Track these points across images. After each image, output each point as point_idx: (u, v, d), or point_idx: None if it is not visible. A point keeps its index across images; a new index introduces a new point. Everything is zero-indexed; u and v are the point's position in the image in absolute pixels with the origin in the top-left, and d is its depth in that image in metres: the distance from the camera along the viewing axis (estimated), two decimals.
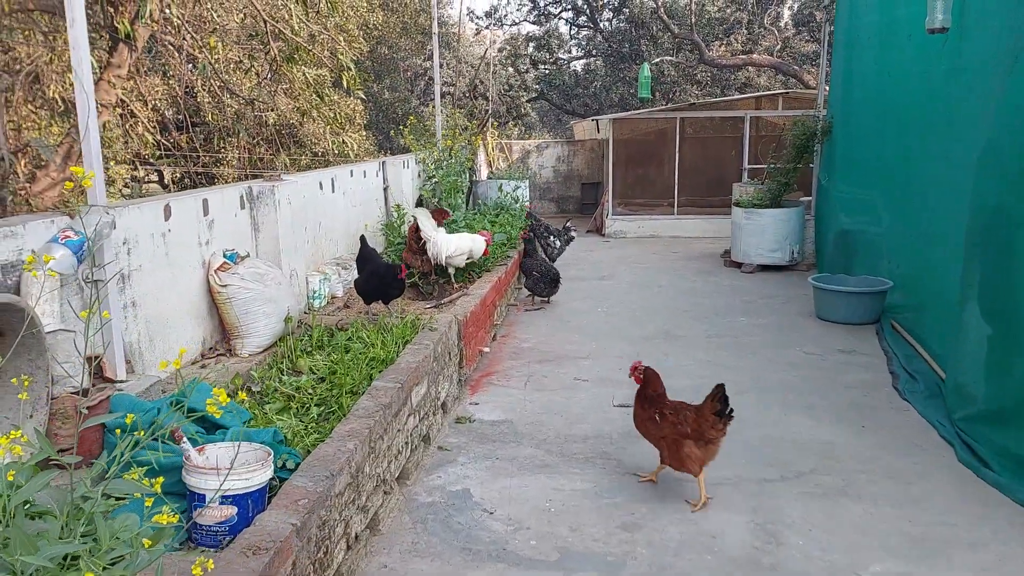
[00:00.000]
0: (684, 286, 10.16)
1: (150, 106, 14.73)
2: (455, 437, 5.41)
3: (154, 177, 17.74)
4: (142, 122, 14.74)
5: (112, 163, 14.68)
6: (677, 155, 14.27)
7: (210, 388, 4.14)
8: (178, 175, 16.06)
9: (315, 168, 13.84)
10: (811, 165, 11.21)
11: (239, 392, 4.56)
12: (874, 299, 8.05)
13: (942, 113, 6.96)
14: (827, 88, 11.47)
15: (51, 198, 12.07)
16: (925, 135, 7.42)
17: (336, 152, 14.84)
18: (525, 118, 30.59)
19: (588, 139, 18.32)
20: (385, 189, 9.11)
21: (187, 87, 14.92)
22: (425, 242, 7.46)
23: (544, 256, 10.60)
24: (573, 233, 10.88)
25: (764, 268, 10.93)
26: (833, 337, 7.69)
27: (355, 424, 3.98)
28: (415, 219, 7.47)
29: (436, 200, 9.59)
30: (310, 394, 4.77)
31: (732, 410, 4.30)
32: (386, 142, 22.41)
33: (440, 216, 8.03)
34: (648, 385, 4.65)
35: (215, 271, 5.10)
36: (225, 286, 5.09)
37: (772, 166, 11.02)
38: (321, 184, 7.22)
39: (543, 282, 9.00)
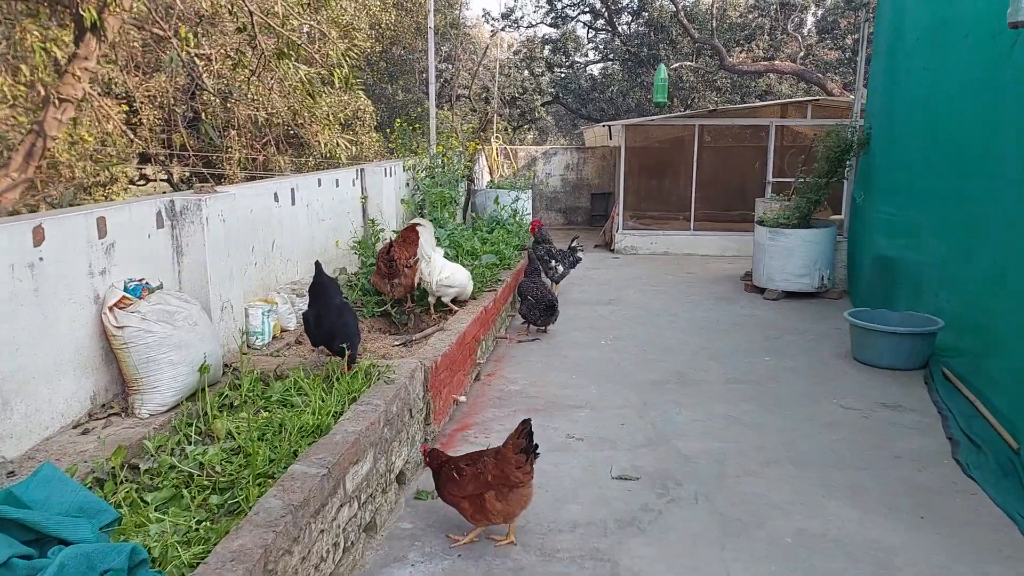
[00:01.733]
0: (700, 316, 9.03)
1: (156, 103, 13.82)
2: (410, 521, 4.33)
3: (164, 176, 16.77)
4: (146, 119, 13.83)
5: (114, 161, 13.77)
6: (695, 165, 13.14)
7: (62, 475, 3.08)
8: (187, 174, 15.14)
9: (324, 169, 12.84)
10: (844, 181, 10.05)
11: (118, 471, 3.53)
12: (923, 341, 6.90)
13: (1012, 125, 5.82)
14: (864, 95, 10.32)
15: (10, 199, 11.11)
16: (987, 151, 6.28)
17: (327, 154, 13.85)
18: (539, 122, 29.59)
19: (599, 146, 17.22)
20: (363, 200, 8.04)
21: (188, 83, 14.02)
22: (403, 262, 6.39)
23: (546, 278, 9.52)
24: (580, 254, 9.78)
25: (789, 295, 9.79)
26: (875, 386, 6.54)
27: (248, 538, 2.90)
28: (391, 240, 6.40)
29: (422, 213, 8.49)
30: (217, 472, 3.70)
31: (538, 446, 4.02)
32: (430, 146, 21.38)
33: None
34: (439, 467, 4.15)
35: (109, 308, 4.04)
36: (121, 328, 4.03)
37: (801, 180, 9.88)
38: (277, 196, 6.16)
39: (538, 309, 7.91)
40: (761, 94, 25.56)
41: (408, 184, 9.16)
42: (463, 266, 6.99)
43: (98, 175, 13.27)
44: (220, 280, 4.95)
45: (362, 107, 16.06)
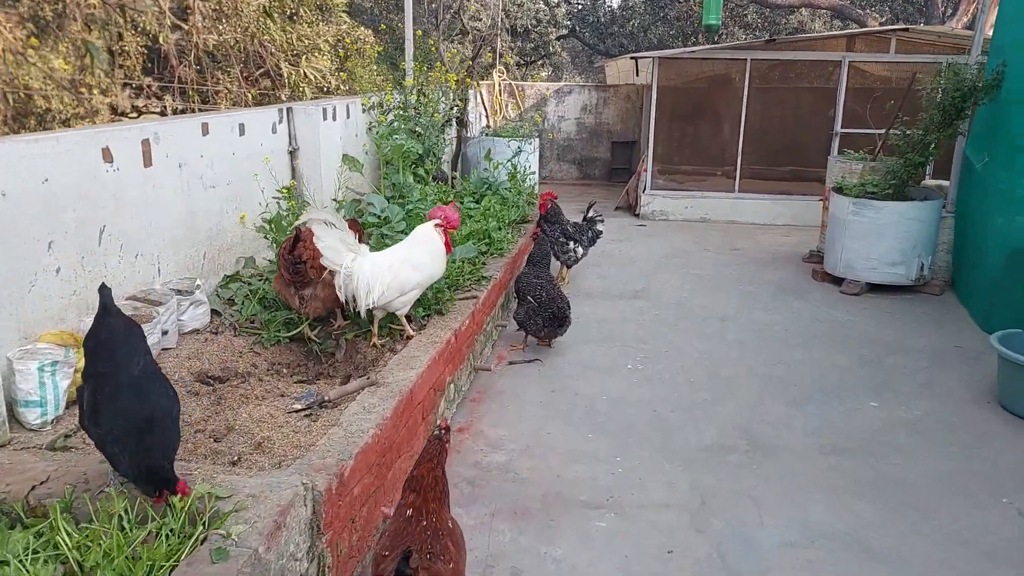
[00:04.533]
0: (760, 319, 6.64)
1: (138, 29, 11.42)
2: None
3: (156, 108, 14.44)
4: (130, 49, 11.48)
5: (95, 92, 11.50)
6: (744, 110, 10.56)
7: None
8: (179, 106, 12.80)
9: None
10: (960, 135, 7.51)
11: None
12: None
13: None
14: (989, 25, 7.71)
15: None
16: None
17: (290, 85, 11.37)
18: (553, 58, 26.79)
19: (624, 84, 14.54)
20: (292, 154, 5.63)
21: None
22: (317, 262, 4.01)
23: (560, 259, 7.15)
24: (600, 226, 7.36)
25: (875, 288, 7.38)
26: None
27: None
28: (299, 229, 3.97)
29: (377, 177, 5.86)
30: None
31: None
32: (404, 79, 18.86)
33: (355, 231, 4.56)
34: None
35: None
36: None
37: (903, 130, 7.36)
38: (110, 152, 3.77)
39: (541, 317, 5.55)
40: (792, 31, 22.83)
41: (372, 131, 6.67)
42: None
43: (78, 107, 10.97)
44: None
45: (362, 37, 13.51)
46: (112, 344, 2.57)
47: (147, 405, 2.51)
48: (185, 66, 11.86)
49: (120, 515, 2.47)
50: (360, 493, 3.02)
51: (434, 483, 2.60)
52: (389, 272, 4.06)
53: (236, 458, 3.03)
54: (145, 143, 4.03)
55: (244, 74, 12.53)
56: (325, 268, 4.01)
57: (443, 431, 2.71)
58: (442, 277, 4.55)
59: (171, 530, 2.43)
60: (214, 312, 4.41)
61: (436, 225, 4.25)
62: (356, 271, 4.00)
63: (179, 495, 2.47)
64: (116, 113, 13.39)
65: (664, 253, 8.92)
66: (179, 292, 4.21)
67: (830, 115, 10.18)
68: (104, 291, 2.64)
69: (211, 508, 2.49)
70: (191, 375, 3.73)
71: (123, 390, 2.50)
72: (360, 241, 4.51)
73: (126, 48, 11.59)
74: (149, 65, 12.54)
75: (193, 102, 11.83)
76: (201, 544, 2.36)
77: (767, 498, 3.87)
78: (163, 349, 3.92)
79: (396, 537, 2.51)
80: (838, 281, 7.55)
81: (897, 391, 5.18)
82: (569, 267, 7.37)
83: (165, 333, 3.91)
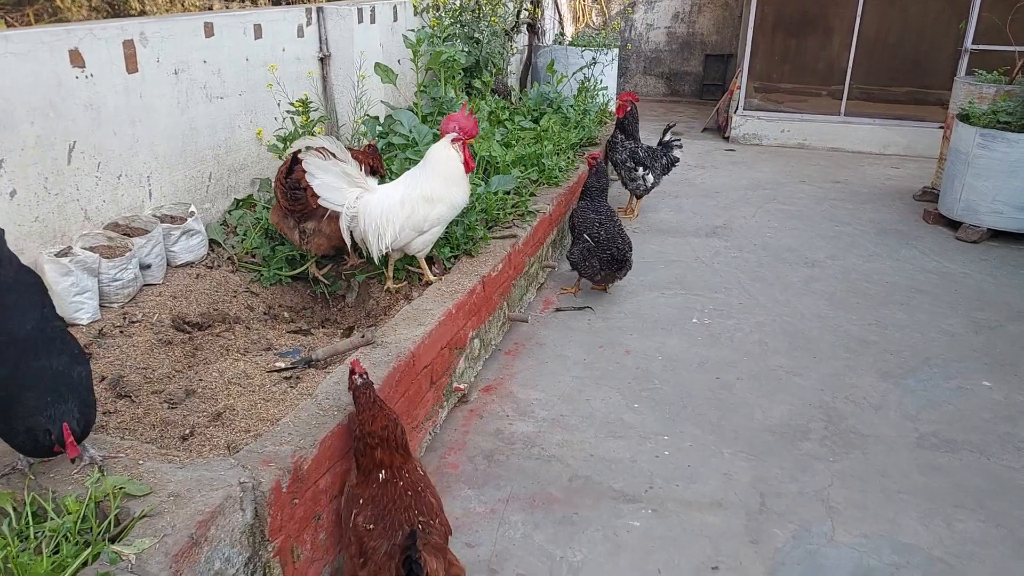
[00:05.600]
0: (856, 267, 5.74)
1: None
2: None
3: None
4: None
5: None
6: (858, 18, 9.23)
7: None
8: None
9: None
10: None
11: None
12: None
13: None
14: None
15: None
16: None
17: None
18: None
19: None
20: (322, 61, 4.97)
21: None
22: (315, 204, 3.40)
23: (629, 187, 6.39)
24: (678, 152, 6.49)
25: (997, 234, 6.31)
26: None
27: None
28: (296, 152, 3.33)
29: (413, 104, 5.03)
30: None
31: None
32: None
33: (370, 159, 3.89)
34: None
35: None
36: None
37: None
38: (80, 56, 3.22)
39: (598, 258, 4.84)
40: None
41: (418, 35, 5.87)
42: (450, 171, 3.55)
43: None
44: None
45: None
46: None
47: (31, 363, 2.00)
48: None
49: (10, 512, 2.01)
50: (330, 484, 2.49)
51: (391, 433, 2.37)
52: (402, 209, 3.42)
53: (188, 431, 2.53)
54: (128, 44, 3.46)
55: None
56: None
57: (361, 376, 2.44)
58: (467, 205, 3.88)
59: (66, 535, 1.96)
60: (214, 243, 3.90)
61: (452, 140, 3.53)
62: (362, 211, 3.37)
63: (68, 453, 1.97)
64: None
65: (751, 183, 7.96)
66: (172, 219, 3.71)
67: (960, 27, 8.76)
68: None
69: (116, 507, 2.00)
70: (170, 318, 3.24)
71: (11, 347, 2.00)
72: (379, 171, 3.87)
73: None
74: None
75: None
76: (93, 561, 1.87)
77: (844, 503, 3.17)
78: (145, 285, 3.44)
79: (379, 506, 2.27)
80: (954, 225, 6.50)
81: (1020, 368, 4.29)
82: (639, 197, 6.57)
83: (147, 267, 3.42)
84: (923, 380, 4.15)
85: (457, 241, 3.98)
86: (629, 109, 6.41)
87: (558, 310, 4.88)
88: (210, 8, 4.33)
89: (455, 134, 3.47)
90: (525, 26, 8.10)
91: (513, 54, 7.34)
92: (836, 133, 9.49)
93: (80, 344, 2.23)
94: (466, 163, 3.54)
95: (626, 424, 3.69)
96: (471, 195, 3.90)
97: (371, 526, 2.24)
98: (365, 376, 2.44)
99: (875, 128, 9.36)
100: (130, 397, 2.73)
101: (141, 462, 2.22)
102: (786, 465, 3.41)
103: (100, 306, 3.18)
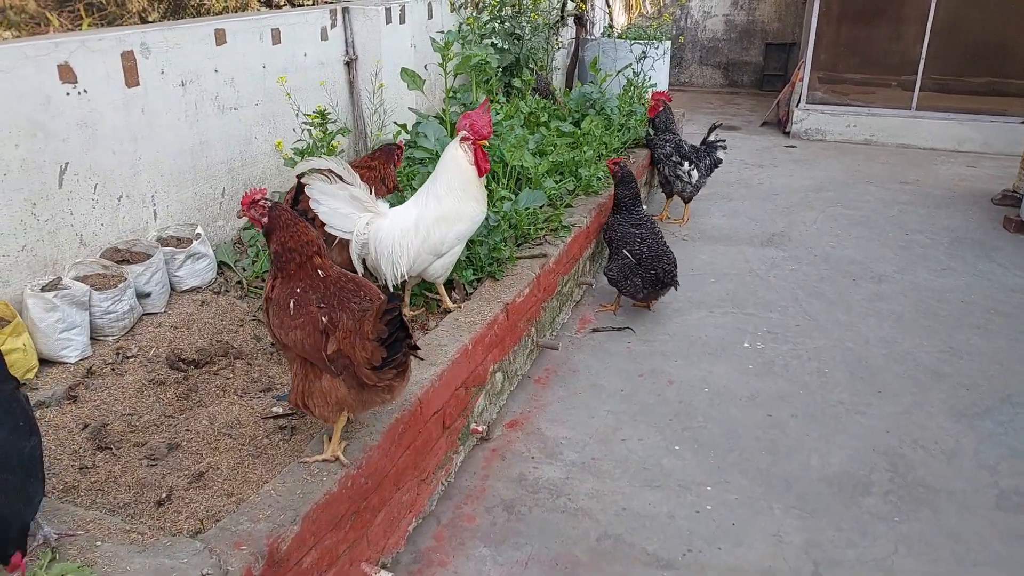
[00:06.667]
0: (927, 283, 5.24)
1: None
2: None
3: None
4: None
5: None
6: (933, 4, 8.57)
7: None
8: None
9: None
10: None
11: None
12: None
13: None
14: None
15: None
16: None
17: None
18: None
19: None
20: (348, 65, 4.69)
21: None
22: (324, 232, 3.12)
23: (673, 188, 6.00)
24: (720, 154, 6.04)
25: None
26: None
27: None
28: (299, 181, 3.03)
29: (444, 112, 4.58)
30: None
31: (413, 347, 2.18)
32: None
33: (385, 162, 3.59)
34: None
35: None
36: None
37: None
38: (71, 70, 3.00)
39: (639, 276, 4.47)
40: None
41: (456, 34, 5.50)
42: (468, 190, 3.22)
43: None
44: None
45: None
46: None
47: None
48: None
49: None
50: (316, 561, 2.21)
51: (320, 245, 2.37)
52: (416, 234, 3.12)
53: (165, 495, 2.29)
54: (127, 56, 3.23)
55: None
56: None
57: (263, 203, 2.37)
58: (493, 224, 3.55)
59: None
60: (224, 265, 3.67)
61: (462, 139, 3.18)
62: (372, 238, 3.07)
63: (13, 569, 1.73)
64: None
65: (813, 184, 7.44)
66: (178, 241, 3.49)
67: None
68: None
69: None
70: (167, 354, 3.01)
71: None
72: (391, 184, 3.58)
73: None
74: None
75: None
76: None
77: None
78: (145, 314, 3.23)
79: (327, 294, 2.26)
80: None
81: None
82: (687, 200, 6.14)
83: (147, 295, 3.20)
84: (1003, 423, 3.69)
85: (481, 263, 3.66)
86: (661, 109, 6.02)
87: (595, 331, 4.54)
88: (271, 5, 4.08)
89: (465, 132, 3.14)
90: (572, 19, 7.70)
91: (558, 49, 6.96)
92: (906, 128, 8.86)
93: (31, 406, 1.99)
94: (478, 165, 3.20)
95: (665, 471, 3.34)
96: (497, 213, 3.57)
97: (323, 304, 2.23)
98: (267, 200, 2.37)
99: (949, 123, 8.70)
100: (111, 449, 2.51)
101: (99, 543, 1.97)
102: (844, 526, 3.02)
103: (93, 339, 2.98)
